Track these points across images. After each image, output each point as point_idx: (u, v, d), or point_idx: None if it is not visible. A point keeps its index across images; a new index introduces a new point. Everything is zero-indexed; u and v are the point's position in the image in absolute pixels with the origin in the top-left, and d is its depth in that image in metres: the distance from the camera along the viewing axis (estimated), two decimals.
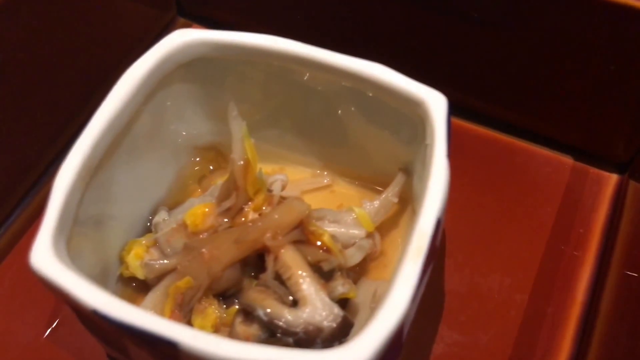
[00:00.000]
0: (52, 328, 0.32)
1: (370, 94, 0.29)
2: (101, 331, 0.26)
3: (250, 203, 0.30)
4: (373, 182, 0.34)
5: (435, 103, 0.27)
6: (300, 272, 0.27)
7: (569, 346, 0.31)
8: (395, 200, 0.31)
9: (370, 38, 0.37)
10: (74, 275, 0.23)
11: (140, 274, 0.29)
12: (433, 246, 0.24)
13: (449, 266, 0.34)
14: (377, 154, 0.33)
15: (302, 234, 0.28)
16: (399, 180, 0.31)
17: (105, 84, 0.39)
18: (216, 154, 0.35)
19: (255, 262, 0.29)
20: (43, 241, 0.23)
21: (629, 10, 0.30)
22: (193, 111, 0.33)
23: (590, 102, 0.35)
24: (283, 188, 0.32)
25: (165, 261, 0.28)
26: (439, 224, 0.24)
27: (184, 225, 0.30)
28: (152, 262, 0.29)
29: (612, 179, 0.36)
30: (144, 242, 0.30)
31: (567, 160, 0.37)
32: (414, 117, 0.28)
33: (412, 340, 0.28)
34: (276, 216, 0.28)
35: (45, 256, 0.23)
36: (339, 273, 0.28)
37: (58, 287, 0.22)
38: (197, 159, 0.35)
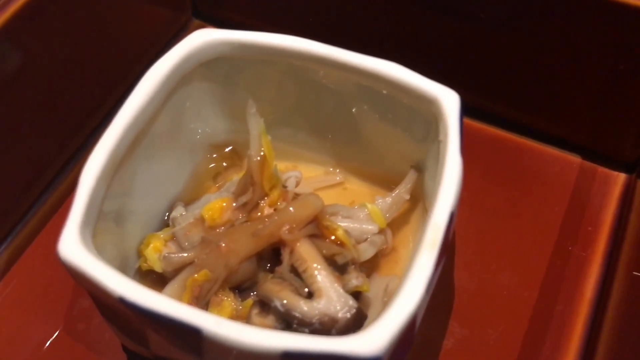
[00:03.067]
0: (68, 322, 0.33)
1: (385, 92, 0.30)
2: (121, 321, 0.27)
3: (266, 198, 0.30)
4: (385, 180, 0.35)
5: (448, 100, 0.27)
6: (315, 264, 0.27)
7: (577, 344, 0.32)
8: (407, 197, 0.32)
9: (382, 40, 0.38)
10: (101, 264, 0.23)
11: (158, 267, 0.30)
12: (446, 239, 0.25)
13: (459, 264, 0.34)
14: (389, 152, 0.33)
15: (316, 228, 0.29)
16: (410, 177, 0.32)
17: (123, 83, 0.40)
18: (231, 151, 0.36)
19: (270, 256, 0.30)
20: (70, 232, 0.24)
21: (636, 10, 0.31)
22: (210, 109, 0.34)
23: (598, 103, 0.36)
24: (297, 184, 0.33)
25: (184, 254, 0.29)
26: (452, 217, 0.25)
27: (201, 220, 0.31)
28: (170, 255, 0.29)
29: (620, 178, 0.37)
30: (162, 236, 0.31)
31: (576, 159, 0.38)
32: (427, 115, 0.29)
33: (423, 334, 0.29)
34: (292, 210, 0.28)
35: (73, 246, 0.24)
36: (352, 267, 0.29)
37: (86, 276, 0.23)
38: (213, 156, 0.35)
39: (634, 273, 0.32)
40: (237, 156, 0.36)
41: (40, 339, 0.32)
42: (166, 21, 0.44)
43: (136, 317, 0.24)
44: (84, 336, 0.32)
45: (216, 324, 0.22)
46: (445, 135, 0.27)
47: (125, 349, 0.31)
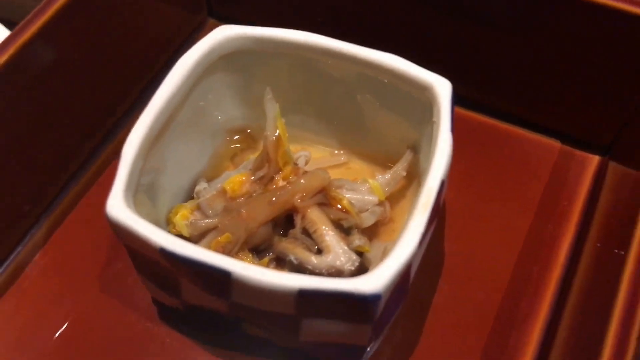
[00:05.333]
0: (104, 282, 0.37)
1: (385, 81, 0.34)
2: (156, 274, 0.31)
3: (280, 173, 0.35)
4: (385, 160, 0.39)
5: (442, 87, 0.32)
6: (324, 227, 0.32)
7: (550, 299, 0.36)
8: (404, 173, 0.36)
9: (384, 34, 0.42)
10: (143, 221, 0.28)
11: (185, 232, 0.34)
12: (437, 203, 0.29)
13: (449, 235, 0.39)
14: (389, 135, 0.38)
15: (325, 197, 0.33)
16: (407, 156, 0.36)
17: (145, 76, 0.44)
18: (246, 135, 0.40)
19: (284, 223, 0.34)
20: (116, 194, 0.28)
21: (608, 10, 0.35)
22: (229, 98, 0.38)
23: (576, 94, 0.40)
24: (306, 163, 0.37)
25: (208, 220, 0.33)
26: (443, 183, 0.29)
27: (223, 192, 0.35)
28: (196, 221, 0.34)
29: (595, 159, 0.41)
30: (188, 206, 0.35)
31: (555, 144, 0.42)
32: (423, 100, 0.33)
33: (416, 292, 0.34)
34: (303, 182, 0.33)
35: (119, 206, 0.28)
36: (355, 230, 0.33)
37: (131, 231, 0.27)
38: (232, 139, 0.40)
39: (598, 245, 0.36)
40: (252, 139, 0.40)
41: (79, 297, 0.36)
42: (184, 21, 0.48)
43: (172, 267, 0.28)
44: (118, 294, 0.36)
45: (243, 268, 0.26)
46: (438, 117, 0.31)
47: (155, 302, 0.35)
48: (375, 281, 0.26)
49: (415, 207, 0.28)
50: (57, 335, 0.35)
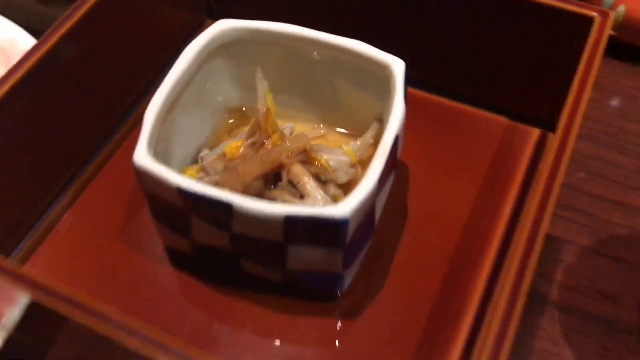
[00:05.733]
0: (125, 236, 0.44)
1: (355, 63, 0.42)
2: (170, 217, 0.39)
3: (269, 139, 0.42)
4: (357, 132, 0.46)
5: (397, 65, 0.40)
6: (305, 178, 0.39)
7: (497, 247, 0.43)
8: (372, 141, 0.44)
9: (354, 24, 0.50)
10: (163, 167, 0.35)
11: None
12: (393, 153, 0.37)
13: (410, 196, 0.46)
14: (359, 110, 0.45)
15: (306, 157, 0.41)
16: (374, 126, 0.44)
17: (155, 66, 0.52)
18: (241, 114, 0.48)
19: (273, 179, 0.41)
20: (141, 148, 0.36)
21: (537, 6, 0.44)
22: (227, 81, 0.46)
23: (518, 75, 0.48)
24: (291, 133, 0.45)
25: (211, 177, 0.41)
26: (397, 138, 0.37)
27: (223, 155, 0.42)
28: (202, 178, 0.41)
29: (536, 132, 0.49)
30: (195, 167, 0.43)
31: (502, 119, 0.50)
32: (383, 78, 0.41)
33: (381, 241, 0.41)
34: (288, 144, 0.40)
35: (143, 156, 0.36)
36: (331, 183, 0.41)
37: (154, 175, 0.35)
38: (228, 116, 0.47)
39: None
40: (246, 117, 0.48)
41: (103, 250, 0.44)
42: (186, 21, 0.56)
43: (185, 205, 0.36)
44: (136, 245, 0.44)
45: (242, 200, 0.34)
46: (395, 89, 0.39)
47: (167, 249, 0.43)
48: (343, 208, 0.33)
49: (375, 155, 0.36)
50: (85, 283, 0.42)
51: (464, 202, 0.45)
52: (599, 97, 0.66)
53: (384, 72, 0.40)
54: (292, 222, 0.34)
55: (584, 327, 0.52)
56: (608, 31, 0.42)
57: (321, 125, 0.48)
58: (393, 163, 0.37)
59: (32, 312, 0.33)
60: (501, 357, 0.29)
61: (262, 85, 0.42)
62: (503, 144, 0.49)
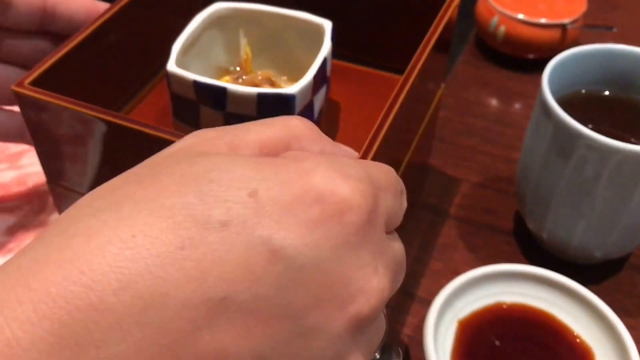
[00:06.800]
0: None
1: (301, 26, 0.67)
2: (186, 111, 0.62)
3: (247, 75, 0.67)
4: None
5: (326, 24, 0.65)
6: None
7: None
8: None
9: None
10: (185, 71, 0.59)
11: None
12: (323, 68, 0.61)
13: (340, 124, 0.71)
14: (307, 61, 0.70)
15: (270, 80, 0.65)
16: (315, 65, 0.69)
17: (172, 35, 0.76)
18: (229, 72, 0.72)
19: None
20: (171, 62, 0.60)
21: None
22: (218, 46, 0.71)
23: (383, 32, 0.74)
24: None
25: None
26: (325, 60, 0.61)
27: None
28: None
29: (399, 78, 0.74)
30: None
31: (374, 71, 0.75)
32: (319, 34, 0.66)
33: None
34: (258, 73, 0.65)
35: (173, 65, 0.59)
36: None
37: (181, 76, 0.59)
38: (220, 75, 0.72)
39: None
40: (232, 75, 0.72)
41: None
42: (191, 6, 0.81)
43: (198, 96, 0.59)
44: None
45: (232, 86, 0.57)
46: (324, 38, 0.64)
47: None
48: (292, 88, 0.57)
49: (310, 67, 0.60)
50: None
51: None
52: (485, 95, 0.97)
53: (319, 30, 0.66)
54: (261, 98, 0.57)
55: (473, 230, 0.77)
56: (455, 6, 0.68)
57: (282, 76, 0.72)
58: (324, 75, 0.62)
59: None
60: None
61: (243, 42, 0.67)
62: (380, 88, 0.74)
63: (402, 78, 0.58)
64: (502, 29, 0.96)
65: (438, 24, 0.65)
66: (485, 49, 1.02)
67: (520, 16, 0.94)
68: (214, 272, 0.24)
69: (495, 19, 0.95)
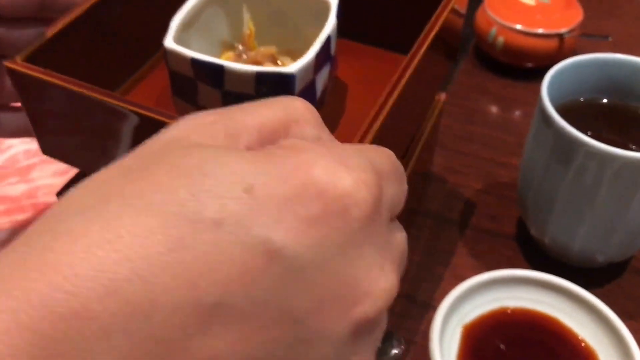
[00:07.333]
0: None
1: (306, 5, 0.65)
2: (185, 88, 0.60)
3: (250, 52, 0.64)
4: None
5: (332, 1, 0.62)
6: (271, 63, 0.61)
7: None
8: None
9: None
10: (182, 48, 0.57)
11: None
12: (327, 45, 0.59)
13: (345, 101, 0.68)
14: (311, 37, 0.68)
15: (274, 58, 0.63)
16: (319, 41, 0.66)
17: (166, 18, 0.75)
18: (233, 48, 0.70)
19: None
20: (170, 40, 0.58)
21: None
22: (221, 22, 0.68)
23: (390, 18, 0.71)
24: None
25: None
26: (329, 38, 0.59)
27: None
28: None
29: (404, 58, 0.72)
30: None
31: (382, 51, 0.73)
32: (325, 10, 0.63)
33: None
34: (262, 49, 0.63)
35: (171, 42, 0.57)
36: None
37: (177, 53, 0.57)
38: (224, 51, 0.70)
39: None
40: (235, 51, 0.70)
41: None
42: None
43: (196, 74, 0.57)
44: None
45: (230, 63, 0.55)
46: (330, 13, 0.61)
47: None
48: (291, 67, 0.55)
49: (315, 42, 0.58)
50: None
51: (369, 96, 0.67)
52: (486, 103, 0.97)
53: (325, 6, 0.63)
54: (260, 77, 0.55)
55: (476, 236, 0.75)
56: None
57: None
58: (327, 53, 0.59)
59: None
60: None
61: (246, 17, 0.65)
62: (383, 68, 0.71)
63: (406, 58, 0.55)
64: (501, 39, 0.98)
65: (447, 3, 0.62)
66: (484, 59, 1.02)
67: (518, 27, 0.95)
68: (207, 276, 0.22)
69: (493, 30, 0.96)
